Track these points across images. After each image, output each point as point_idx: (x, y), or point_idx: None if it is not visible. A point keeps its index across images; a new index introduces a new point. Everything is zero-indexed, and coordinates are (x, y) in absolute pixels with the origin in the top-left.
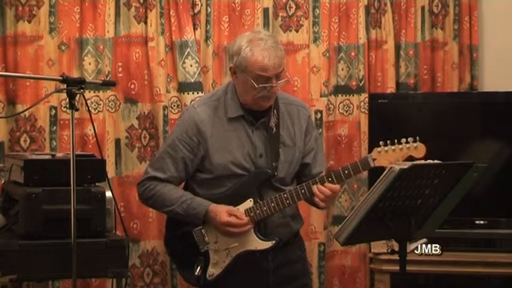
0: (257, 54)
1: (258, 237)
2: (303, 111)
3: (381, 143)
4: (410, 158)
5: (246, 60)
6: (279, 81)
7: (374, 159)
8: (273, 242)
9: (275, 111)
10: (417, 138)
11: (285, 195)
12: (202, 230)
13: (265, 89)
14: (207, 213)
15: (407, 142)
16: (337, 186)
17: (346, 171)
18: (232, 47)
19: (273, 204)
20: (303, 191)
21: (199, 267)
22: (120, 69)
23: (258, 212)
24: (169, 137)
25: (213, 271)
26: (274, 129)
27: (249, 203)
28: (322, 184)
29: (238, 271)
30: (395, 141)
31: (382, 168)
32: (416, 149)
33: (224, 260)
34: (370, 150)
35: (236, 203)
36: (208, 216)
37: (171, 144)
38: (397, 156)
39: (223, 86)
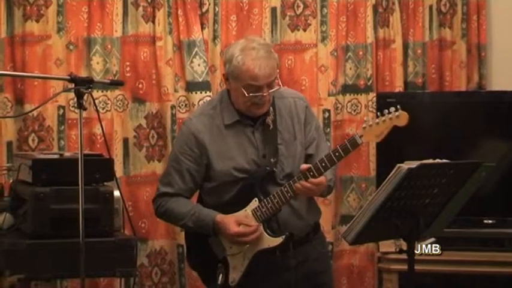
0: (248, 63)
1: (268, 235)
2: (299, 102)
3: (365, 118)
4: (396, 128)
5: (237, 69)
6: (271, 90)
7: (361, 136)
8: (283, 236)
9: (271, 108)
10: (398, 107)
11: (285, 189)
12: (218, 237)
13: (256, 98)
14: (215, 225)
15: (389, 113)
16: (314, 180)
17: (337, 153)
18: (226, 54)
19: (276, 200)
20: (301, 181)
21: (220, 276)
22: (128, 69)
23: (264, 210)
24: (171, 153)
25: (233, 276)
26: (271, 125)
27: (254, 203)
28: (317, 171)
29: (260, 272)
30: (378, 114)
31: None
32: (399, 117)
33: (242, 264)
34: (377, 150)
35: (243, 206)
36: (217, 228)
37: (174, 158)
38: (381, 129)
39: (218, 94)
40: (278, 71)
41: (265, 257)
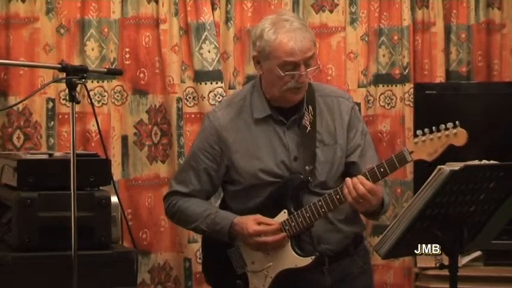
0: (282, 36)
1: (296, 253)
2: (345, 103)
3: (417, 132)
4: (451, 147)
5: (269, 45)
6: (309, 69)
7: (411, 152)
8: (313, 257)
9: (310, 107)
10: (457, 123)
11: (320, 203)
12: (239, 250)
13: (293, 78)
14: (233, 227)
15: (446, 129)
16: (368, 182)
17: (381, 169)
18: (255, 31)
19: (308, 215)
20: (337, 196)
21: None
22: (127, 56)
23: (293, 224)
24: (191, 148)
25: None
26: (309, 127)
27: (283, 216)
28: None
29: None
30: (433, 128)
31: (422, 162)
32: (456, 136)
33: (263, 284)
34: None
35: (270, 216)
36: (235, 231)
37: (192, 154)
38: (435, 146)
39: (250, 83)
40: (316, 48)
41: (294, 273)
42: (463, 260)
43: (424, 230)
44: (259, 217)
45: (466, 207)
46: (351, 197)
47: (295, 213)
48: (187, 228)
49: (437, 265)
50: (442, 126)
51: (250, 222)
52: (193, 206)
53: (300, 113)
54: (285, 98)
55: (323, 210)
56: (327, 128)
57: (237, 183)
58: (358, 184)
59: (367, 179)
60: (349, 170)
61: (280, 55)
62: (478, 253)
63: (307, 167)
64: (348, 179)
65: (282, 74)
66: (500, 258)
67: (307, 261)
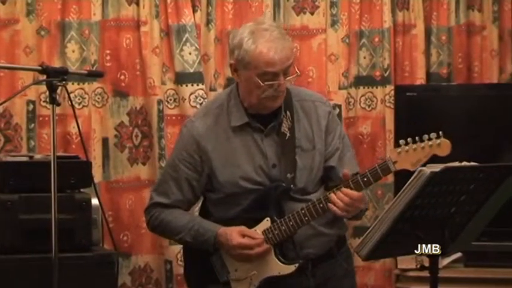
0: (261, 46)
1: (280, 261)
2: (322, 107)
3: (400, 141)
4: (435, 157)
5: (248, 55)
6: (288, 78)
7: (394, 162)
8: (296, 265)
9: (287, 112)
10: (440, 133)
11: (303, 212)
12: (222, 257)
13: (272, 88)
14: (217, 238)
15: (429, 139)
16: (354, 193)
17: (365, 179)
18: (233, 40)
19: (291, 223)
20: (321, 205)
21: None
22: (108, 58)
23: (276, 232)
24: (169, 158)
25: None
26: (288, 134)
27: (266, 223)
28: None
29: None
30: (417, 138)
31: (406, 171)
32: (440, 146)
33: None
34: None
35: (252, 224)
36: (219, 241)
37: (171, 164)
38: (419, 156)
39: (227, 90)
40: (295, 55)
41: (279, 277)
42: (444, 262)
43: (404, 232)
44: (243, 229)
45: (446, 208)
46: (340, 209)
47: (278, 221)
48: (172, 239)
49: (418, 266)
50: (426, 136)
51: (235, 235)
52: (177, 219)
53: (278, 119)
54: (263, 106)
55: (306, 218)
56: (305, 133)
57: (219, 192)
58: (342, 196)
59: (351, 189)
60: (328, 174)
61: (260, 65)
62: (458, 254)
63: (288, 175)
64: (332, 195)
65: (262, 84)
66: (481, 259)
67: (290, 268)
